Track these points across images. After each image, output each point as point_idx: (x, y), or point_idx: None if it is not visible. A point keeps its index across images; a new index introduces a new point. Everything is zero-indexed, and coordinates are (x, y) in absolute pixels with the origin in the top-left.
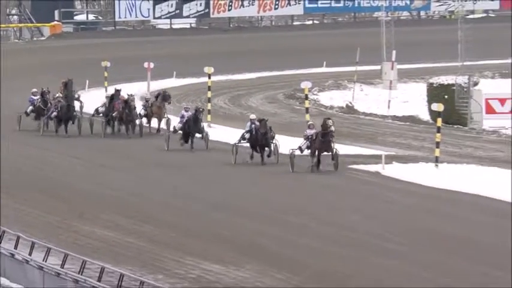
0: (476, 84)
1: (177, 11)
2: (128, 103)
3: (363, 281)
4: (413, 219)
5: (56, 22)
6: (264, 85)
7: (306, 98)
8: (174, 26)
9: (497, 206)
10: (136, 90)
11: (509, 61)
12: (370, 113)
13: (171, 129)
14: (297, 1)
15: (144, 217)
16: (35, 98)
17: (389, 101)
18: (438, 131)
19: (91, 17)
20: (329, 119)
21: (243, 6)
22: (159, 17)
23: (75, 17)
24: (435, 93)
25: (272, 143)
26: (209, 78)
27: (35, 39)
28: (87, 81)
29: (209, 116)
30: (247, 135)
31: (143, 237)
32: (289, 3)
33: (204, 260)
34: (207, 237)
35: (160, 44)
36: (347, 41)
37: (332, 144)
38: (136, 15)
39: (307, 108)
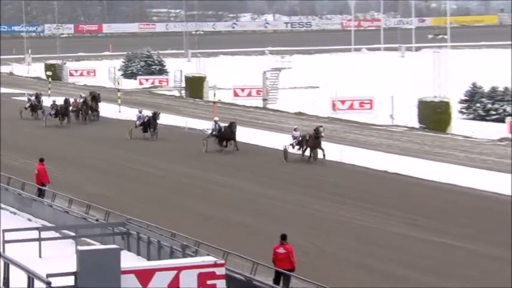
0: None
1: None
2: (85, 102)
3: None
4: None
5: None
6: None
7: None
8: None
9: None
10: None
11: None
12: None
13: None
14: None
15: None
16: (31, 97)
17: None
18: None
19: None
20: (321, 126)
21: None
22: None
23: None
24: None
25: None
26: None
27: None
28: None
29: None
30: (215, 132)
31: None
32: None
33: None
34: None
35: None
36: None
37: (321, 144)
38: None
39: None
